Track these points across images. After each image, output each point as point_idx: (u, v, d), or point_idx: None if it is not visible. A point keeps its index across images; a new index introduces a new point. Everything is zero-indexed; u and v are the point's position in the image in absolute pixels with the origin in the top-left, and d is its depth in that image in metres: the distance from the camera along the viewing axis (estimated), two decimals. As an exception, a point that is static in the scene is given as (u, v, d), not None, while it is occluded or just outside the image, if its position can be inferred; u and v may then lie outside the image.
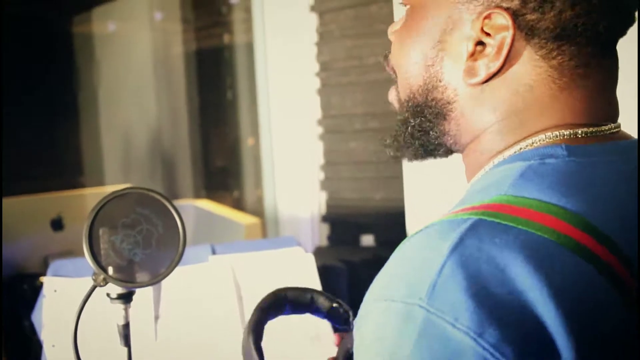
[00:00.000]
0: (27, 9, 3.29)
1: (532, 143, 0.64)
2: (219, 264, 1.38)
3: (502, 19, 0.62)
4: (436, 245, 0.55)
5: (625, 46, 0.73)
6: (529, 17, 0.61)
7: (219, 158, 3.69)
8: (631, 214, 0.60)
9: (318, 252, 1.88)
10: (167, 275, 0.86)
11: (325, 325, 1.35)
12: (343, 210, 2.37)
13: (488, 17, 0.62)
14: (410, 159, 0.74)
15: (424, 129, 0.70)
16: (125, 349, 0.88)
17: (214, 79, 3.47)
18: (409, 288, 0.54)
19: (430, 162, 0.76)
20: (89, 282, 0.86)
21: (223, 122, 3.50)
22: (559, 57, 0.63)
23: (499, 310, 0.51)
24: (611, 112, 0.67)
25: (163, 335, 1.30)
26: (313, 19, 2.36)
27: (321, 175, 2.41)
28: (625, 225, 0.58)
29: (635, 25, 0.67)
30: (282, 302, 0.89)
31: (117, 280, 0.84)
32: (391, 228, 2.22)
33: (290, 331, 1.31)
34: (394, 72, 0.73)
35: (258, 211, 2.75)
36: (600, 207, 0.58)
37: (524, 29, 0.62)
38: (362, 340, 0.57)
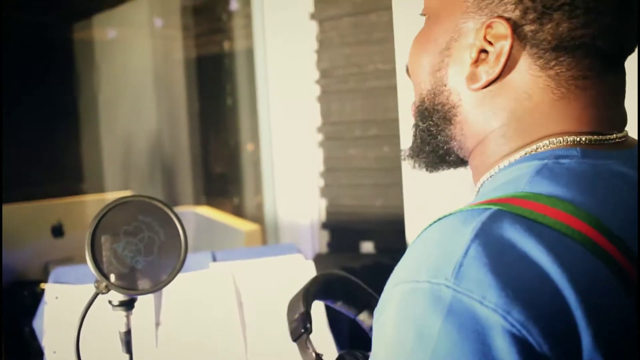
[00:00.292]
0: (28, 16, 3.30)
1: (537, 148, 0.66)
2: (219, 271, 1.38)
3: (502, 28, 0.65)
4: (459, 230, 0.57)
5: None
6: (528, 27, 0.64)
7: (219, 164, 3.69)
8: (637, 220, 0.61)
9: (318, 259, 1.88)
10: (168, 282, 0.86)
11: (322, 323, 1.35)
12: (343, 217, 2.37)
13: (490, 26, 0.65)
14: (427, 168, 0.77)
15: (432, 133, 0.73)
16: (127, 356, 0.89)
17: (214, 86, 3.48)
18: (434, 269, 0.56)
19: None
20: (90, 289, 0.86)
21: (223, 128, 3.50)
22: (557, 68, 0.65)
23: (524, 292, 0.53)
24: (616, 123, 0.69)
25: (164, 342, 1.30)
26: (313, 27, 2.37)
27: (321, 182, 2.41)
28: (633, 229, 0.60)
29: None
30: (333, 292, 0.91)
31: (119, 288, 0.85)
32: (391, 235, 2.22)
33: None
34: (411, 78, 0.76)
35: (258, 218, 2.75)
36: (611, 209, 0.60)
37: (523, 39, 0.65)
38: (385, 324, 0.58)
